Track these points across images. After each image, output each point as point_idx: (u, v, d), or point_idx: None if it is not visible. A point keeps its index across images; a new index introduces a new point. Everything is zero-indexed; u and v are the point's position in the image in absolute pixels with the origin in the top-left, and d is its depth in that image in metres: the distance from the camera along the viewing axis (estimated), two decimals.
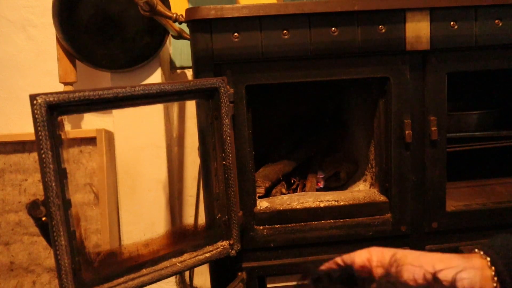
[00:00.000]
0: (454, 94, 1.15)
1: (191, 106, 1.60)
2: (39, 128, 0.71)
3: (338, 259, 0.55)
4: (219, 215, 0.98)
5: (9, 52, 1.55)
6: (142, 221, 1.50)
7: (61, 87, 1.45)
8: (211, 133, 0.97)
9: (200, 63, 0.98)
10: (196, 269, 1.60)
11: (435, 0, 0.99)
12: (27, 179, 1.51)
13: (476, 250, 0.52)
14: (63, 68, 1.44)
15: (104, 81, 1.52)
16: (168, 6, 1.33)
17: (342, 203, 1.07)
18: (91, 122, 1.58)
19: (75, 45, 1.40)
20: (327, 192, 1.14)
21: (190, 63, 1.36)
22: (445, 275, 0.45)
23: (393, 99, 1.03)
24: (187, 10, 0.98)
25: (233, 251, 0.98)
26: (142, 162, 1.49)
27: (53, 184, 0.72)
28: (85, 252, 0.80)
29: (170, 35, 1.41)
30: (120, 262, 0.87)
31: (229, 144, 0.94)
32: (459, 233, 1.09)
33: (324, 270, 0.49)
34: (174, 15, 1.08)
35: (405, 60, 1.02)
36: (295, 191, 1.24)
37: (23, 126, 1.56)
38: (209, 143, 0.98)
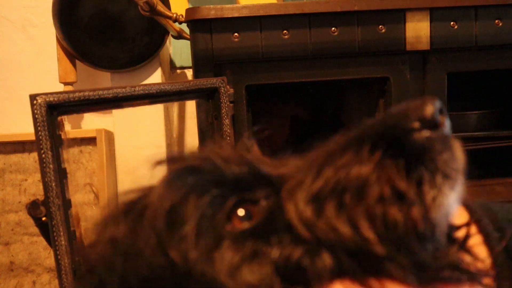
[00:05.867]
0: (454, 94, 1.15)
1: (191, 106, 1.60)
2: (39, 128, 0.71)
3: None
4: None
5: (9, 52, 1.55)
6: None
7: (61, 87, 1.45)
8: (211, 133, 0.97)
9: (200, 63, 0.98)
10: None
11: (435, 0, 0.99)
12: (27, 179, 1.51)
13: None
14: (63, 68, 1.44)
15: (104, 81, 1.52)
16: (168, 6, 1.33)
17: None
18: (91, 122, 1.57)
19: (75, 45, 1.40)
20: None
21: (190, 63, 1.36)
22: None
23: (393, 99, 1.02)
24: (187, 10, 0.98)
25: None
26: (142, 162, 1.48)
27: (53, 184, 0.72)
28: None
29: (170, 35, 1.41)
30: None
31: None
32: None
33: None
34: (174, 15, 1.08)
35: (405, 60, 1.02)
36: None
37: (23, 126, 1.56)
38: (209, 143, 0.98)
